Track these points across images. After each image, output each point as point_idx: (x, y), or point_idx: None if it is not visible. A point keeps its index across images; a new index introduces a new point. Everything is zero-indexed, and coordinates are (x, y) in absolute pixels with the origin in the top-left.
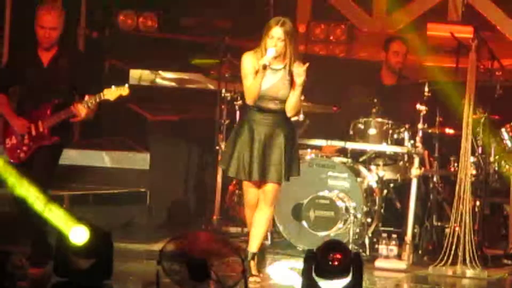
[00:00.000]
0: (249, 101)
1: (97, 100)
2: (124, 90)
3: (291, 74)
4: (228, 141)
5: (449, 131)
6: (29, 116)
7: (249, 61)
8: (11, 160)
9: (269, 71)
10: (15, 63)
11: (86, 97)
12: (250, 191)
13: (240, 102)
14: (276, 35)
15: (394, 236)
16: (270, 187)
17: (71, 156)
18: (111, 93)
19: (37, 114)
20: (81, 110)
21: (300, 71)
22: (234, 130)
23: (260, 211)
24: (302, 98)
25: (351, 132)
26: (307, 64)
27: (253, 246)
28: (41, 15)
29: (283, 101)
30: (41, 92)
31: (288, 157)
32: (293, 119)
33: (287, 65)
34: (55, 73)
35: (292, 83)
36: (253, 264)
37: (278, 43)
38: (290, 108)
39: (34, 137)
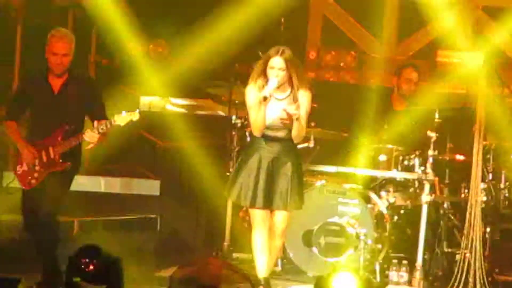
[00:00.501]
0: (256, 133)
1: (108, 125)
2: (135, 115)
3: (296, 101)
4: (235, 167)
5: (459, 157)
6: (40, 142)
7: (251, 94)
8: (23, 187)
9: (274, 101)
10: (25, 90)
11: (97, 123)
12: (257, 215)
13: (250, 128)
14: (276, 65)
15: (405, 262)
16: (278, 216)
17: (81, 182)
18: (122, 118)
19: (48, 141)
20: (93, 136)
21: (292, 109)
22: (241, 156)
23: (272, 241)
24: (313, 124)
25: (361, 159)
26: (295, 106)
27: (264, 272)
28: (54, 42)
29: (285, 129)
30: (52, 119)
31: (295, 185)
32: (303, 145)
33: (291, 93)
34: (65, 100)
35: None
36: None
37: (279, 73)
38: (294, 137)
39: (45, 163)
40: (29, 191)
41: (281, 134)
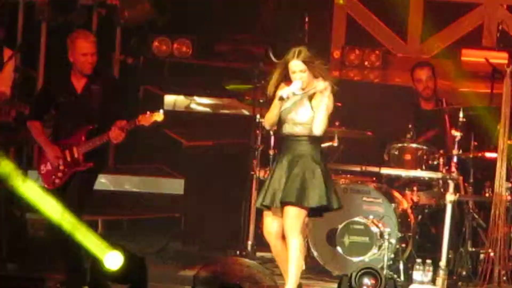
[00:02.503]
0: (266, 126)
1: (132, 126)
2: (159, 116)
3: (310, 96)
4: None
5: (489, 155)
6: (64, 142)
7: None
8: (46, 186)
9: (294, 96)
10: (49, 91)
11: (122, 123)
12: (265, 219)
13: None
14: (296, 68)
15: (429, 261)
16: (284, 212)
17: (105, 182)
18: (146, 118)
19: (72, 140)
20: (120, 134)
21: (321, 86)
22: None
23: (288, 244)
24: (337, 123)
25: (386, 158)
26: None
27: (289, 284)
28: (80, 43)
29: (300, 124)
30: (76, 119)
31: (302, 181)
32: (327, 144)
33: (308, 89)
34: (89, 99)
35: (309, 107)
36: None
37: (302, 75)
38: (315, 124)
39: (69, 163)
40: (53, 191)
41: (292, 129)
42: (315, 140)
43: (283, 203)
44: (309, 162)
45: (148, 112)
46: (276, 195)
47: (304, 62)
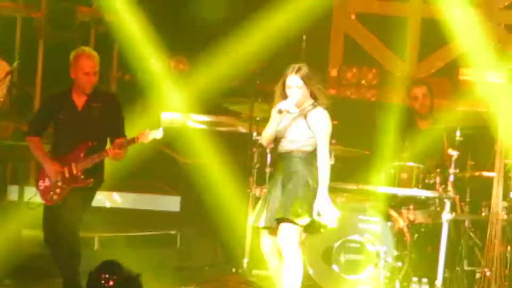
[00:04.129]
0: (263, 141)
1: (131, 143)
2: (158, 134)
3: (304, 114)
4: None
5: (487, 174)
6: (63, 158)
7: (272, 112)
8: (45, 202)
9: (288, 114)
10: (49, 107)
11: (121, 140)
12: (262, 238)
13: (271, 145)
14: (293, 83)
15: (425, 280)
16: (278, 231)
17: (102, 198)
18: (145, 136)
19: (71, 157)
20: (119, 153)
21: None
22: None
23: (282, 263)
24: (333, 141)
25: (382, 176)
26: None
27: None
28: (83, 61)
29: (295, 142)
30: (75, 135)
31: (292, 197)
32: None
33: (305, 108)
34: (89, 116)
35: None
36: None
37: (297, 91)
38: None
39: (68, 179)
40: (51, 207)
41: (286, 146)
42: (309, 158)
43: (277, 220)
44: (302, 178)
45: (147, 130)
46: (273, 214)
47: (302, 78)
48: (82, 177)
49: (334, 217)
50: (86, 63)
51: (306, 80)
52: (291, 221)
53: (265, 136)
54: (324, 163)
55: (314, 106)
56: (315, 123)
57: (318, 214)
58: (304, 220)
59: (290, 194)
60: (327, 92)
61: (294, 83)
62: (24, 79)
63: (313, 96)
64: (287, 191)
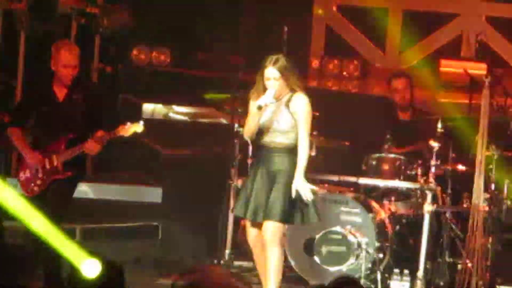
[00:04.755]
0: (245, 136)
1: (111, 136)
2: (139, 127)
3: (287, 104)
4: None
5: (462, 167)
6: (44, 150)
7: (251, 103)
8: (25, 193)
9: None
10: (30, 98)
11: (101, 133)
12: (249, 229)
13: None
14: (271, 75)
15: (406, 271)
16: (264, 226)
17: (83, 190)
18: (125, 129)
19: (51, 148)
20: (95, 147)
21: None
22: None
23: (267, 254)
24: (315, 133)
25: (364, 168)
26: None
27: None
28: (64, 54)
29: (281, 133)
30: (56, 127)
31: (281, 196)
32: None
33: (284, 97)
34: (70, 108)
35: (289, 114)
36: None
37: (275, 83)
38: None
39: (48, 171)
40: (32, 198)
41: (270, 139)
42: (294, 150)
43: (265, 218)
44: (290, 177)
45: (128, 123)
46: (258, 210)
47: (280, 70)
48: (63, 169)
49: (308, 190)
50: (66, 56)
51: (283, 71)
52: (279, 221)
53: (248, 132)
54: (304, 145)
55: (293, 92)
56: (296, 106)
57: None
58: (291, 219)
59: (279, 195)
60: (304, 84)
61: (272, 75)
62: (5, 71)
63: (290, 86)
64: (276, 190)
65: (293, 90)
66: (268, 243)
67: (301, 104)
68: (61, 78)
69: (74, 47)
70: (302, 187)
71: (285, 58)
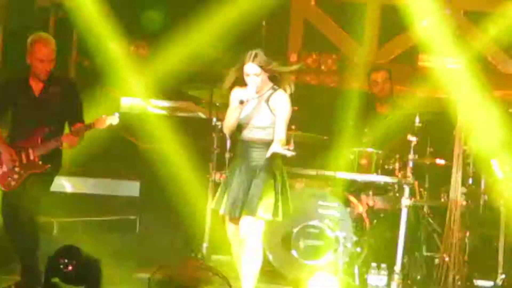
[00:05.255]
0: (225, 131)
1: (88, 129)
2: (114, 119)
3: (267, 102)
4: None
5: (439, 161)
6: (20, 144)
7: (234, 95)
8: (2, 188)
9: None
10: (6, 92)
11: (77, 127)
12: (227, 224)
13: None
14: (251, 71)
15: (384, 266)
16: (241, 223)
17: (61, 183)
18: (101, 122)
19: (28, 143)
20: (74, 140)
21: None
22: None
23: (245, 248)
24: (293, 127)
25: (341, 162)
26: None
27: (245, 286)
28: (39, 48)
29: (260, 129)
30: (33, 121)
31: (259, 192)
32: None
33: (266, 93)
34: (46, 102)
35: (269, 110)
36: None
37: (255, 79)
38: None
39: (25, 165)
40: (9, 193)
41: (251, 134)
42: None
43: (243, 213)
44: (269, 172)
45: (103, 116)
46: (236, 205)
47: (259, 65)
48: (40, 162)
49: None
50: (41, 51)
51: (263, 66)
52: (257, 216)
53: (228, 126)
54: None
55: (274, 89)
56: (276, 103)
57: None
58: (269, 215)
59: (257, 190)
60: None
61: (252, 71)
62: None
63: (271, 79)
64: (254, 186)
65: (274, 84)
66: (246, 238)
67: (281, 101)
68: (36, 72)
69: (50, 41)
70: (280, 150)
71: (263, 52)
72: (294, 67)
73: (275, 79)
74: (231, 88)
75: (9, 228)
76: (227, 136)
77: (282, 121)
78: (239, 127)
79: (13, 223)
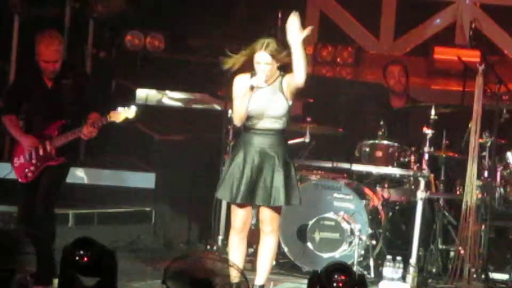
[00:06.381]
0: (236, 121)
1: (104, 122)
2: (130, 113)
3: (281, 89)
4: (225, 165)
5: (455, 154)
6: (37, 136)
7: (239, 84)
8: (19, 179)
9: (258, 90)
10: (21, 84)
11: (95, 116)
12: (236, 214)
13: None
14: (262, 60)
15: (399, 258)
16: (264, 214)
17: (77, 175)
18: (117, 115)
19: (44, 135)
20: (92, 131)
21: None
22: (231, 153)
23: (262, 242)
24: (308, 119)
25: (357, 154)
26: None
27: (259, 279)
28: (42, 49)
29: (275, 119)
30: (47, 113)
31: (282, 180)
32: (298, 140)
33: (276, 80)
34: (60, 94)
35: (283, 98)
36: None
37: (265, 67)
38: (297, 68)
39: (41, 157)
40: (25, 184)
41: (263, 124)
42: (283, 132)
43: (259, 203)
44: (279, 158)
45: (119, 108)
46: (255, 193)
47: (272, 54)
48: (56, 154)
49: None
50: (44, 52)
51: (275, 54)
52: (275, 205)
53: (239, 116)
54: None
55: (282, 76)
56: (287, 83)
57: None
58: (297, 200)
59: (275, 177)
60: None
61: (263, 59)
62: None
63: (279, 68)
64: (270, 172)
65: (281, 74)
66: (269, 229)
67: (291, 79)
68: (43, 71)
69: (53, 43)
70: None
71: (275, 42)
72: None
73: (283, 69)
74: (236, 68)
75: (24, 219)
76: (239, 126)
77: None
78: (252, 118)
79: (28, 214)
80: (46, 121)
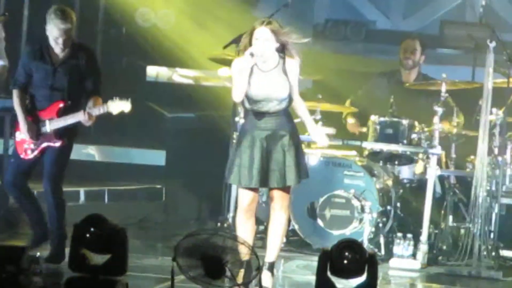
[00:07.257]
0: (236, 98)
1: (101, 111)
2: (127, 106)
3: (285, 71)
4: (232, 149)
5: (466, 131)
6: (38, 114)
7: (237, 64)
8: (21, 155)
9: (260, 73)
10: (29, 61)
11: (91, 107)
12: (244, 195)
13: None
14: (261, 35)
15: (409, 236)
16: (276, 193)
17: (88, 152)
18: (114, 106)
19: (45, 114)
20: (85, 121)
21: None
22: (237, 137)
23: (273, 219)
24: (320, 96)
25: (367, 131)
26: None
27: (269, 256)
28: (51, 28)
29: (280, 101)
30: (50, 92)
31: (294, 159)
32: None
33: (279, 63)
34: (64, 73)
35: (286, 80)
36: (269, 275)
37: (265, 43)
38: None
39: (41, 138)
40: (24, 162)
41: (269, 107)
42: (287, 112)
43: (273, 184)
44: (289, 137)
45: (117, 99)
46: (269, 175)
47: (273, 31)
48: (55, 136)
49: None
50: (54, 31)
51: (275, 31)
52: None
53: (239, 90)
54: (301, 100)
55: (282, 57)
56: (290, 69)
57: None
58: (306, 176)
59: (287, 158)
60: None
61: (263, 35)
62: (9, 35)
63: (278, 50)
64: (281, 152)
65: (281, 56)
66: (279, 206)
67: (295, 66)
68: (52, 47)
69: (64, 22)
70: (320, 133)
71: (277, 22)
72: (306, 39)
73: (282, 49)
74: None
75: (19, 197)
76: (238, 103)
77: (296, 86)
78: (258, 102)
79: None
80: (49, 100)
